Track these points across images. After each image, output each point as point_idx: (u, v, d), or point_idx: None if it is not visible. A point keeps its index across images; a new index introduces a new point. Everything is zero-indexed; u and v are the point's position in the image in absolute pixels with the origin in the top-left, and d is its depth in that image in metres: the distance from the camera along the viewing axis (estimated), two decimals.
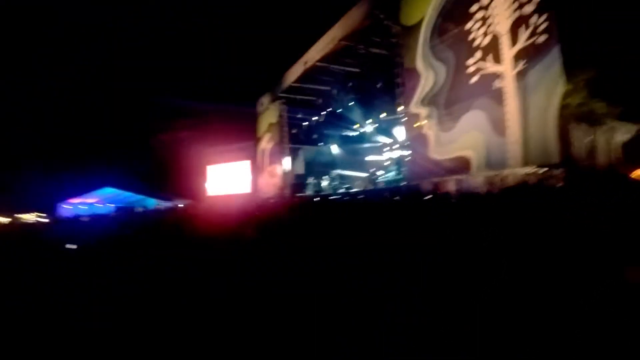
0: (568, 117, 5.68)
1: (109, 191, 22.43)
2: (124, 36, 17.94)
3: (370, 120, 14.74)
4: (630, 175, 5.78)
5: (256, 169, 17.67)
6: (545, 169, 5.78)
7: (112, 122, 21.85)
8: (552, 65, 5.52)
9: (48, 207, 20.35)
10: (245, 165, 18.38)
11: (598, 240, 3.10)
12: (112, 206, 23.49)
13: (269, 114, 16.50)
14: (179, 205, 18.44)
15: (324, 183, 14.56)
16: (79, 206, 22.39)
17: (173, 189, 20.46)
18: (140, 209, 17.70)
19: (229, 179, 19.02)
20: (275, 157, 15.70)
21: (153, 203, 22.69)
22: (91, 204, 23.38)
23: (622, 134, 7.80)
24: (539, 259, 2.91)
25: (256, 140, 17.94)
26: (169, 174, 20.53)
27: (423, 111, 8.17)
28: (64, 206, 21.61)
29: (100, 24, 17.72)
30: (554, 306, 2.07)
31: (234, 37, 18.09)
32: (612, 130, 7.54)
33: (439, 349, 1.88)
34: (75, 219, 11.56)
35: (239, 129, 18.80)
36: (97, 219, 9.94)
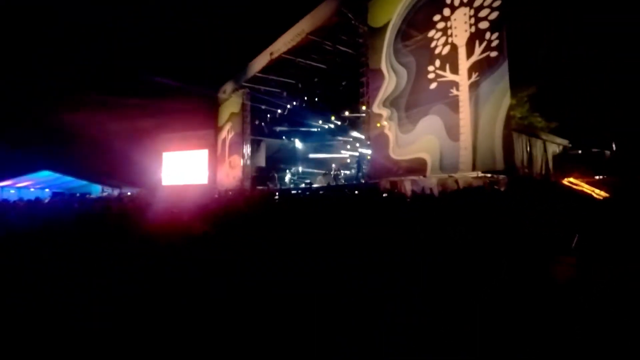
0: (512, 128, 6.24)
1: (46, 174, 20.25)
2: (81, 11, 16.16)
3: (333, 117, 14.90)
4: (561, 183, 6.52)
5: (215, 159, 17.07)
6: (491, 174, 6.31)
7: (56, 97, 19.53)
8: (501, 79, 6.01)
9: None
10: (203, 154, 17.66)
11: (533, 235, 3.51)
12: (47, 191, 21.35)
13: (231, 102, 15.97)
14: (127, 193, 17.27)
15: (285, 177, 14.50)
16: (10, 190, 20.04)
17: (123, 175, 19.03)
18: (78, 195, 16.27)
19: (185, 168, 18.16)
20: (236, 147, 15.29)
21: (97, 190, 20.98)
22: (24, 187, 21.02)
23: (554, 146, 8.79)
24: (481, 253, 3.21)
25: (216, 129, 17.30)
26: (119, 159, 19.01)
27: (385, 112, 8.46)
28: None
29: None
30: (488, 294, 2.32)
31: (200, 21, 17.13)
32: (546, 143, 8.46)
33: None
34: None
35: (198, 116, 17.97)
36: (15, 206, 8.88)
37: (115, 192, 18.67)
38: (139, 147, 18.98)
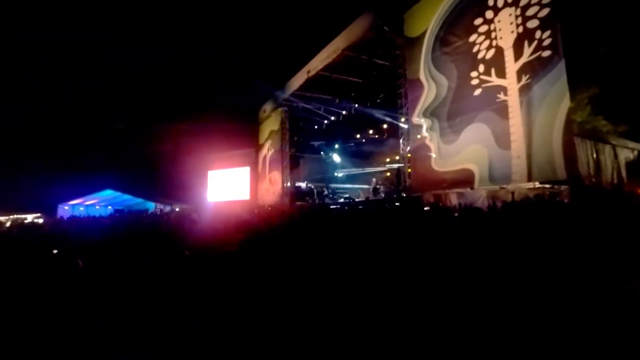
0: (573, 133, 5.59)
1: (109, 193, 22.41)
2: (130, 38, 17.99)
3: (371, 131, 14.68)
4: (637, 193, 5.66)
5: (256, 176, 17.59)
6: (550, 185, 5.67)
7: (116, 125, 21.89)
8: (557, 80, 5.45)
9: (51, 208, 20.37)
10: (245, 172, 18.31)
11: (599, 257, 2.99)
12: (110, 208, 23.48)
13: (271, 121, 16.49)
14: (177, 209, 18.35)
15: (324, 192, 14.45)
16: (79, 207, 22.36)
17: (174, 193, 20.43)
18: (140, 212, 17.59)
19: (229, 185, 18.93)
20: (276, 164, 15.63)
21: (152, 206, 22.64)
22: (90, 205, 23.34)
23: (626, 152, 7.73)
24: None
25: (257, 147, 17.90)
26: (170, 178, 20.49)
27: (425, 123, 8.10)
28: (64, 207, 21.58)
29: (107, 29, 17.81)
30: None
31: (238, 44, 18.19)
32: (617, 148, 7.47)
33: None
34: (60, 221, 11.45)
35: (240, 135, 18.84)
36: (85, 222, 9.81)
37: (167, 209, 19.95)
38: (188, 167, 20.32)
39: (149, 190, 22.60)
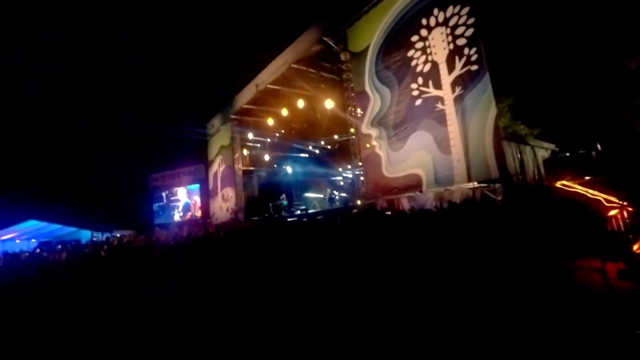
0: (501, 137, 6.34)
1: (31, 224, 19.60)
2: (65, 49, 16.28)
3: (323, 142, 15.01)
4: (554, 186, 6.56)
5: (207, 193, 16.86)
6: (487, 184, 6.32)
7: (40, 145, 19.27)
8: (484, 91, 6.18)
9: None
10: (194, 190, 17.45)
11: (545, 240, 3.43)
12: (33, 242, 20.57)
13: (220, 136, 16.03)
14: (118, 237, 16.75)
15: (280, 205, 14.33)
16: None
17: (114, 218, 18.55)
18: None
19: (177, 205, 17.85)
20: (228, 180, 15.16)
21: (87, 236, 20.32)
22: (8, 240, 20.24)
23: (542, 151, 8.95)
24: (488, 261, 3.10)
25: (207, 163, 17.22)
26: (108, 202, 18.61)
27: (374, 132, 8.55)
28: None
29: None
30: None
31: (181, 58, 17.48)
32: (535, 149, 8.62)
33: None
34: None
35: (187, 152, 17.94)
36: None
37: (106, 237, 18.11)
38: (128, 188, 18.71)
39: (83, 217, 20.21)
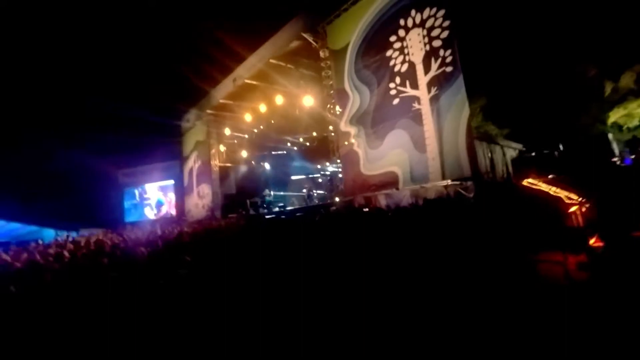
0: (473, 137, 6.61)
1: None
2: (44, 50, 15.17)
3: (301, 139, 14.99)
4: (520, 184, 6.93)
5: (182, 190, 16.40)
6: (459, 182, 6.58)
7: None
8: (458, 92, 6.40)
9: None
10: (169, 186, 16.91)
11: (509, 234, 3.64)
12: None
13: (196, 131, 15.62)
14: (87, 236, 15.96)
15: (258, 202, 14.20)
16: None
17: (81, 216, 17.60)
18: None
19: (151, 202, 17.24)
20: (204, 176, 14.82)
21: (51, 235, 19.19)
22: None
23: (511, 151, 9.42)
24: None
25: (182, 159, 16.73)
26: (75, 199, 17.62)
27: (352, 130, 8.65)
28: None
29: None
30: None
31: (157, 51, 16.76)
32: (504, 148, 9.06)
33: None
34: None
35: (161, 147, 17.32)
36: None
37: (73, 236, 17.19)
38: (97, 183, 17.83)
39: (46, 215, 18.98)
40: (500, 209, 5.11)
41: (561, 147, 8.92)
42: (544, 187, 6.10)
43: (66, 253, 4.14)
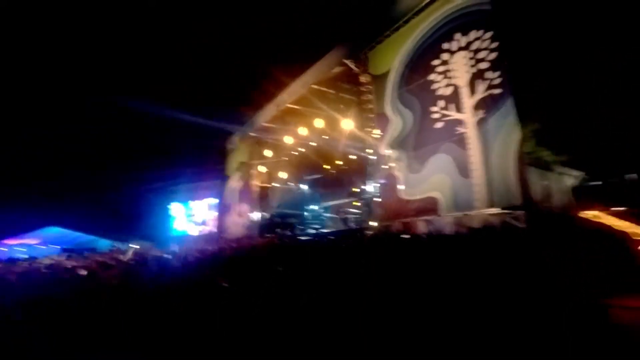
0: (524, 163, 6.13)
1: (54, 231, 20.32)
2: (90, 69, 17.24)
3: (341, 162, 15.03)
4: (581, 217, 6.22)
5: (224, 208, 17.04)
6: (509, 210, 6.06)
7: (62, 153, 19.94)
8: (508, 115, 6.05)
9: None
10: (211, 204, 17.69)
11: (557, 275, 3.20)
12: (57, 248, 21.21)
13: (239, 152, 16.36)
14: (136, 247, 17.03)
15: (295, 224, 14.26)
16: (17, 248, 19.97)
17: (132, 229, 18.97)
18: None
19: (194, 218, 18.10)
20: (244, 196, 15.31)
21: (107, 244, 20.81)
22: (32, 245, 20.95)
23: (570, 179, 8.56)
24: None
25: (225, 178, 17.52)
26: (128, 213, 19.11)
27: (393, 154, 8.48)
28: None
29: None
30: None
31: (204, 76, 18.13)
32: (562, 176, 8.26)
33: None
34: None
35: (207, 167, 18.37)
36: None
37: (125, 247, 18.47)
38: (148, 200, 19.19)
39: (102, 227, 20.74)
40: (558, 243, 4.57)
41: (632, 175, 7.95)
42: (608, 220, 5.40)
43: None
